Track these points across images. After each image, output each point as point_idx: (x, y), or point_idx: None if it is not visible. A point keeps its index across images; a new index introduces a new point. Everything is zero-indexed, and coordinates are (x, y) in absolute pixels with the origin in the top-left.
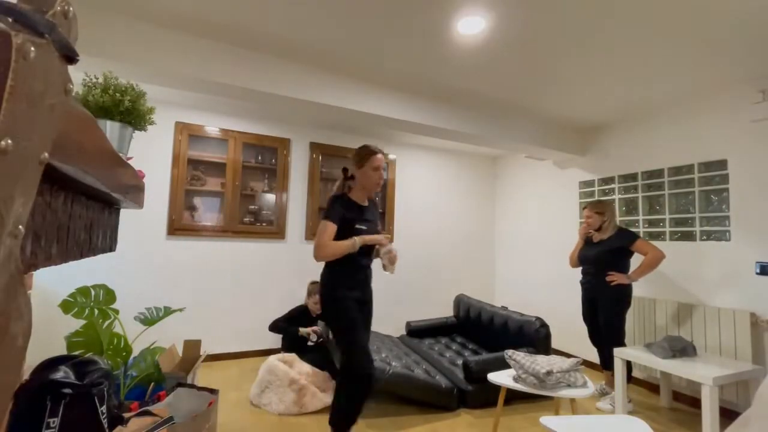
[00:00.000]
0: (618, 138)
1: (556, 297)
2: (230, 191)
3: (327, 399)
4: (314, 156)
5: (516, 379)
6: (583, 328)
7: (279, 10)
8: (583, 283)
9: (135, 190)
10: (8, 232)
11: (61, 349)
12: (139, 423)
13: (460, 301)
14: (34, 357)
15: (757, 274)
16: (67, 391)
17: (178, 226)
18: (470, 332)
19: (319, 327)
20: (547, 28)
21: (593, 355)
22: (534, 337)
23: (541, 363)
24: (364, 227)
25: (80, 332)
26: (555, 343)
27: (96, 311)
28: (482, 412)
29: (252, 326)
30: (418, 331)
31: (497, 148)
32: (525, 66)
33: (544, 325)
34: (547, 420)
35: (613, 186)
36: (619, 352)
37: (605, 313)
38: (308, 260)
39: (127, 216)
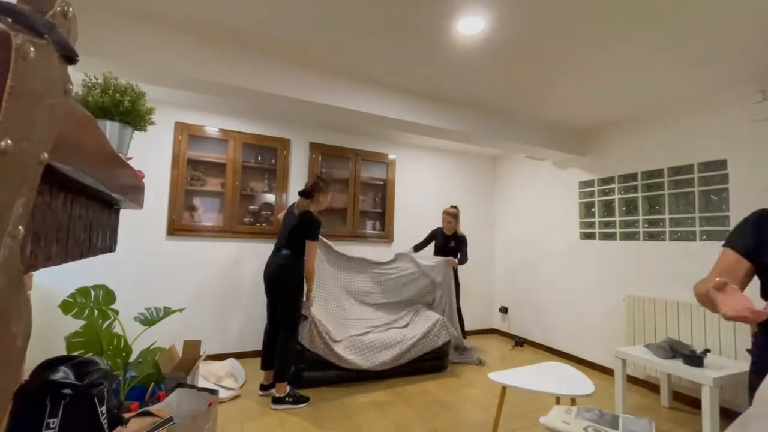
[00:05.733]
0: (618, 138)
1: (556, 296)
2: (230, 191)
3: None
4: (314, 156)
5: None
6: (586, 328)
7: (279, 11)
8: None
9: (135, 190)
10: (8, 232)
11: (61, 350)
12: (139, 423)
13: None
14: (33, 357)
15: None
16: (67, 391)
17: (178, 227)
18: None
19: None
20: (547, 28)
21: (594, 355)
22: None
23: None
24: None
25: (80, 333)
26: (556, 343)
27: (96, 312)
28: None
29: (252, 326)
30: None
31: (497, 148)
32: (525, 66)
33: None
34: (545, 419)
35: (613, 186)
36: (617, 352)
37: None
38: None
39: (127, 216)
